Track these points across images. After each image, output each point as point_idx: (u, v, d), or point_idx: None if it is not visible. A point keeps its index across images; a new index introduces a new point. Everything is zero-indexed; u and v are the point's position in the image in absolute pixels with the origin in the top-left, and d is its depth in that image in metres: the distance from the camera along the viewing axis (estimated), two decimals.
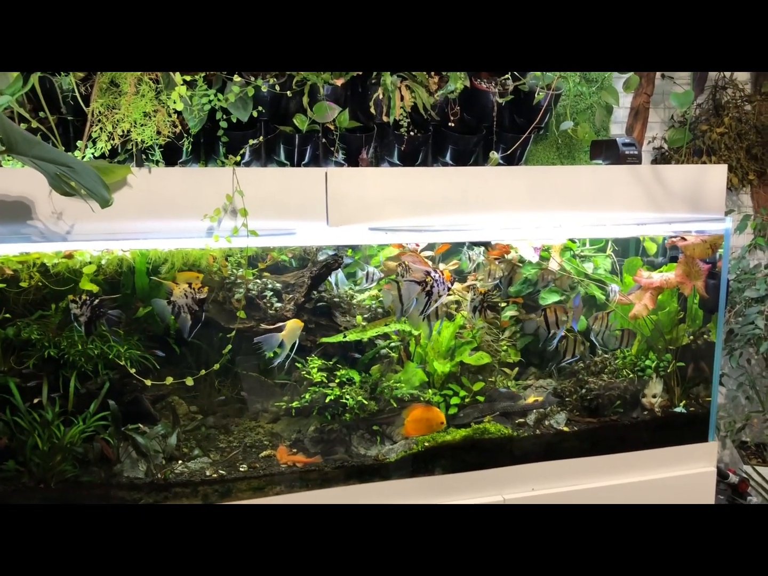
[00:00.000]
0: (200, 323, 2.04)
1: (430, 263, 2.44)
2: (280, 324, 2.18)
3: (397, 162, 2.66)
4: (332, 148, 2.50)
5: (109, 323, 2.04)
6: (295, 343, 2.18)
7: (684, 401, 2.56)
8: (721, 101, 3.32)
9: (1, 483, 1.92)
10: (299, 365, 2.25)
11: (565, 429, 2.41)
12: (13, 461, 1.94)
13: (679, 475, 2.46)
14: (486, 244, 2.46)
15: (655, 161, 3.33)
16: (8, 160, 2.04)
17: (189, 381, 1.97)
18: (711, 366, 2.51)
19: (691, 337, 2.58)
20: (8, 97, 1.85)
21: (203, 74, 2.22)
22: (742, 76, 3.37)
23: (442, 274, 2.16)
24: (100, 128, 2.17)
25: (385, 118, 2.53)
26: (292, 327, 2.19)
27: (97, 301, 2.00)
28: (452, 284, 2.23)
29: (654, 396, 2.53)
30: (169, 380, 1.97)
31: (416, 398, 2.32)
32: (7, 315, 1.98)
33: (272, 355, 2.17)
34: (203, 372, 1.99)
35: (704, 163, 3.22)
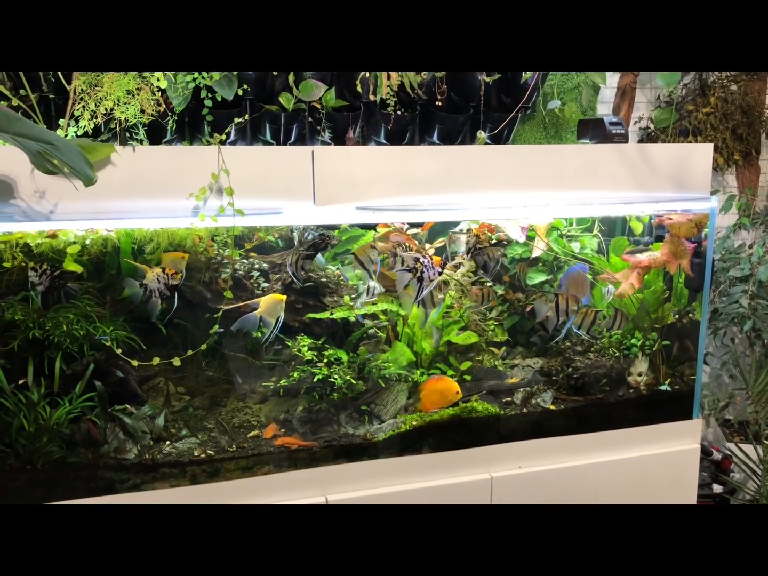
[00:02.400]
0: (172, 309, 2.05)
1: (416, 242, 2.43)
2: (253, 301, 2.16)
3: (384, 141, 2.65)
4: (318, 127, 2.48)
5: (67, 296, 2.02)
6: (279, 319, 2.16)
7: (669, 379, 2.58)
8: (707, 81, 3.32)
9: None
10: (289, 343, 2.24)
11: (552, 407, 2.43)
12: None
13: (663, 452, 2.49)
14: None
15: (641, 141, 3.34)
16: None
17: (176, 361, 1.96)
18: (696, 344, 2.53)
19: (677, 316, 2.60)
20: None
21: None
22: None
23: (432, 260, 2.17)
24: (83, 106, 2.13)
25: (371, 97, 2.52)
26: (269, 302, 2.15)
27: (57, 272, 1.99)
28: (442, 269, 2.23)
29: (639, 374, 2.56)
30: (156, 360, 1.96)
31: (404, 378, 2.33)
32: None
33: (259, 334, 2.17)
34: (190, 352, 1.98)
35: (690, 143, 3.23)
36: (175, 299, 2.02)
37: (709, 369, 3.53)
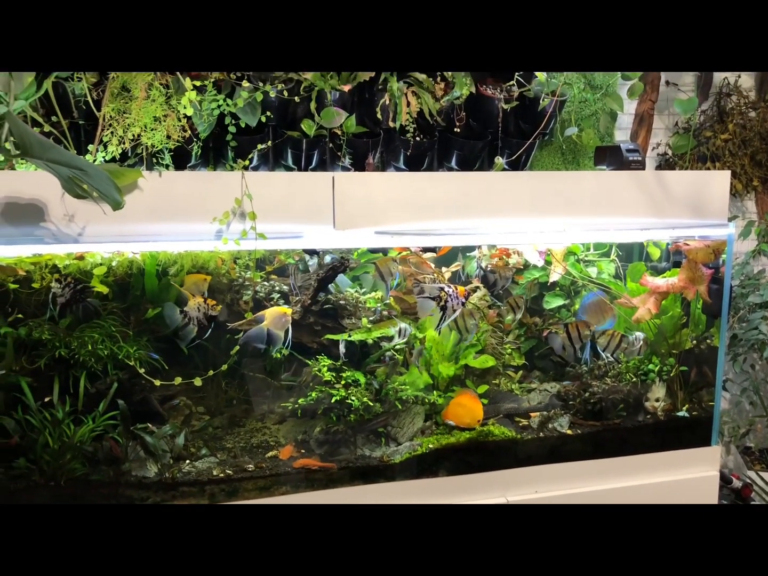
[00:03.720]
0: (203, 337, 2.12)
1: (431, 265, 2.47)
2: (258, 314, 2.17)
3: (403, 167, 2.69)
4: (339, 153, 2.53)
5: (85, 311, 2.09)
6: (288, 332, 2.19)
7: (687, 405, 2.57)
8: (726, 108, 3.34)
9: (12, 480, 1.95)
10: (310, 363, 2.28)
11: (569, 432, 2.43)
12: (24, 459, 1.97)
13: (682, 479, 2.47)
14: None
15: (659, 167, 3.36)
16: (21, 164, 2.09)
17: (197, 381, 2.00)
18: (714, 370, 2.52)
19: (695, 342, 2.60)
20: (23, 101, 1.88)
21: (213, 79, 2.26)
22: (747, 83, 3.39)
23: (456, 290, 2.21)
24: (111, 132, 2.21)
25: (391, 124, 2.56)
26: (274, 314, 2.18)
27: (80, 286, 2.06)
28: (466, 299, 2.27)
29: (657, 400, 2.55)
30: (178, 380, 2.00)
31: (420, 400, 2.36)
32: (20, 315, 2.02)
33: (278, 356, 2.21)
34: (211, 373, 2.02)
35: (708, 169, 3.24)
36: (209, 330, 2.10)
37: (728, 396, 3.50)
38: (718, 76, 3.36)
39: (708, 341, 2.58)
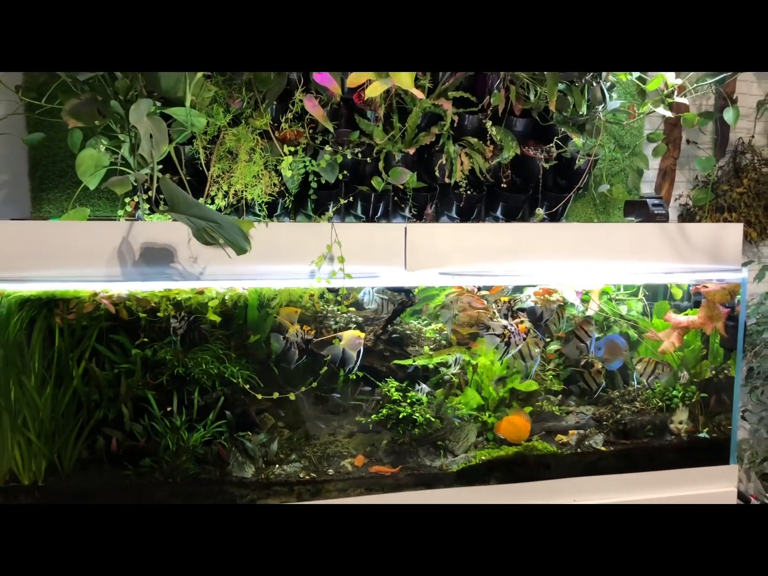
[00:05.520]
0: (303, 358, 2.52)
1: (484, 302, 2.85)
2: (338, 334, 2.58)
3: (455, 216, 3.10)
4: (403, 205, 2.95)
5: (200, 336, 2.50)
6: (359, 354, 2.58)
7: (707, 428, 2.91)
8: (741, 164, 3.72)
9: (139, 477, 2.35)
10: (380, 385, 2.67)
11: (603, 449, 2.78)
12: (149, 459, 2.37)
13: (702, 494, 2.79)
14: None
15: (681, 216, 3.73)
16: (148, 215, 2.52)
17: (292, 396, 2.40)
18: (731, 397, 2.87)
19: (713, 372, 2.95)
20: (159, 165, 2.32)
21: (303, 146, 2.69)
22: (760, 142, 3.78)
23: (518, 327, 2.61)
24: (217, 188, 2.65)
25: (446, 180, 2.98)
26: (349, 336, 2.58)
27: (192, 317, 2.47)
28: (527, 335, 2.66)
29: (680, 422, 2.89)
30: (276, 395, 2.39)
31: (474, 418, 2.73)
32: (146, 339, 2.43)
33: (353, 377, 2.60)
34: (303, 388, 2.41)
35: (726, 219, 3.61)
36: (306, 350, 2.50)
37: (748, 425, 3.80)
38: (734, 136, 3.75)
39: (725, 371, 2.93)
